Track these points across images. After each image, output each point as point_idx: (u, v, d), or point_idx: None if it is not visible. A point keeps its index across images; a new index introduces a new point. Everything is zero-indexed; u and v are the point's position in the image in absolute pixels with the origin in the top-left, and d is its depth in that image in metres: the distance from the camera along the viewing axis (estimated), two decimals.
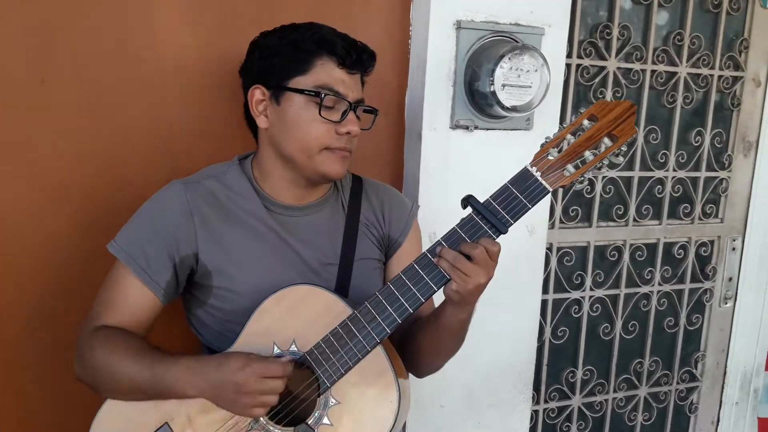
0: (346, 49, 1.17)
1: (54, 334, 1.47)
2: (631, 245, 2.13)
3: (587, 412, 2.19)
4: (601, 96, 1.96)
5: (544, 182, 1.04)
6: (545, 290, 2.00)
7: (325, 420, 1.12)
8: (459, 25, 1.58)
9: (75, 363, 1.17)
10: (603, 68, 1.95)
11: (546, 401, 2.12)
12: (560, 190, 1.95)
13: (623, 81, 1.99)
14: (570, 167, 1.04)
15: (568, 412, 2.16)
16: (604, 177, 2.02)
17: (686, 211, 2.19)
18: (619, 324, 2.17)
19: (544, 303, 2.01)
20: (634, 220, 2.12)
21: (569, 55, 1.86)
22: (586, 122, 1.03)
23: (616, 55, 1.96)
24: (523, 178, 1.05)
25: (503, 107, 1.56)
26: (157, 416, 1.13)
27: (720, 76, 2.12)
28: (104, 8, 1.39)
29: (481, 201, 1.07)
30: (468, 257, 1.05)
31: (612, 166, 1.13)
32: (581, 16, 1.88)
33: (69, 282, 1.45)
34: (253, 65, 1.22)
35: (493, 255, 1.07)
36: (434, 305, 1.28)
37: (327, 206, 1.29)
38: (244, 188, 1.24)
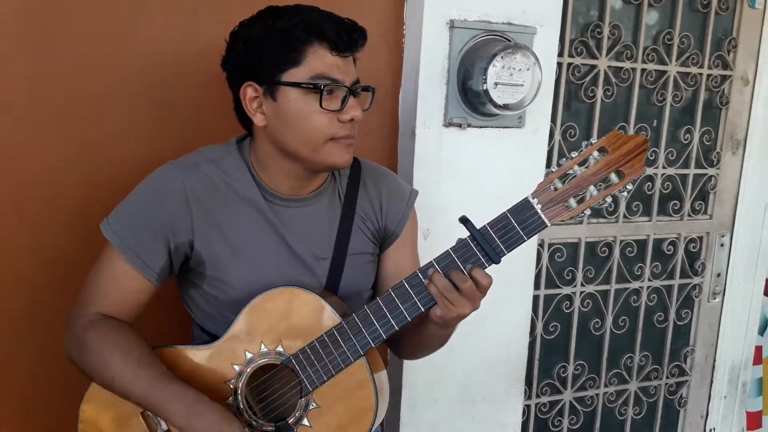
0: (336, 33, 1.11)
1: (54, 332, 1.48)
2: (622, 241, 2.16)
3: (578, 407, 2.22)
4: (591, 94, 1.99)
5: (543, 216, 1.03)
6: (537, 286, 2.03)
7: (305, 421, 1.16)
8: (452, 25, 1.60)
9: (65, 344, 1.18)
10: (594, 67, 1.97)
11: (538, 396, 2.15)
12: None
13: (614, 79, 2.01)
14: (572, 201, 1.02)
15: (559, 406, 2.19)
16: None
17: (675, 208, 2.22)
18: (609, 319, 2.20)
19: (535, 299, 2.03)
20: (625, 216, 2.15)
21: (560, 54, 1.88)
22: (595, 153, 1.00)
23: (607, 54, 1.98)
24: (522, 209, 1.04)
25: (496, 105, 1.58)
26: None
27: (709, 75, 2.15)
28: (100, 9, 1.40)
29: (478, 226, 1.06)
30: (458, 288, 1.06)
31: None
32: (572, 15, 1.90)
33: (65, 282, 1.45)
34: (238, 59, 1.16)
35: (482, 287, 1.08)
36: None
37: (324, 197, 1.27)
38: (242, 175, 1.21)
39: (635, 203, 2.15)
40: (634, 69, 2.04)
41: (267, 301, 1.16)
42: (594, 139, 1.01)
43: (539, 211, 1.03)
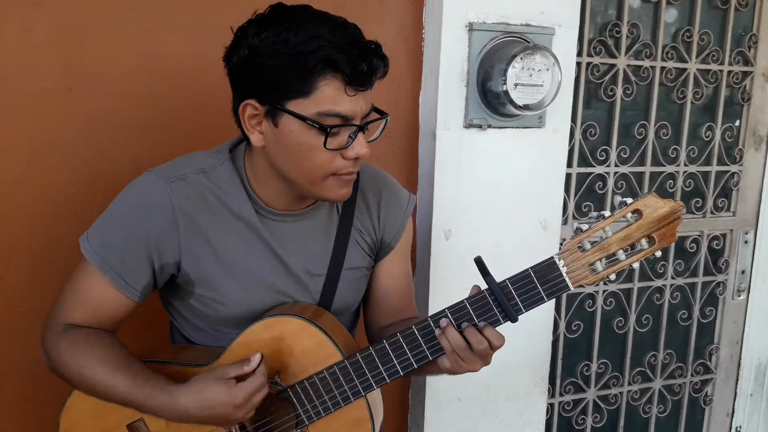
0: (354, 66, 0.98)
1: None
2: None
3: (602, 405, 2.22)
4: (611, 93, 1.99)
5: (567, 279, 0.99)
6: None
7: None
8: (471, 27, 1.61)
9: (42, 354, 1.13)
10: (613, 66, 1.98)
11: (561, 394, 2.15)
12: (573, 182, 1.98)
13: (633, 78, 2.01)
14: (599, 265, 0.98)
15: (583, 405, 2.19)
16: (616, 173, 2.05)
17: (698, 205, 2.22)
18: (632, 318, 2.19)
19: (558, 297, 2.04)
20: None
21: (579, 54, 1.89)
22: (629, 215, 0.96)
23: (626, 52, 1.98)
24: (547, 269, 1.00)
25: (516, 106, 1.59)
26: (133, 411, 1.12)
27: (729, 72, 2.14)
28: (128, 18, 1.44)
29: (499, 281, 1.02)
30: (470, 346, 1.03)
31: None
32: (591, 15, 1.91)
33: None
34: (242, 67, 1.04)
35: (494, 348, 1.05)
36: (412, 301, 1.31)
37: (321, 210, 1.20)
38: (234, 189, 1.12)
39: None
40: (653, 67, 2.03)
41: (265, 329, 1.11)
42: (629, 200, 0.96)
43: (564, 274, 0.99)
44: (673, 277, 2.23)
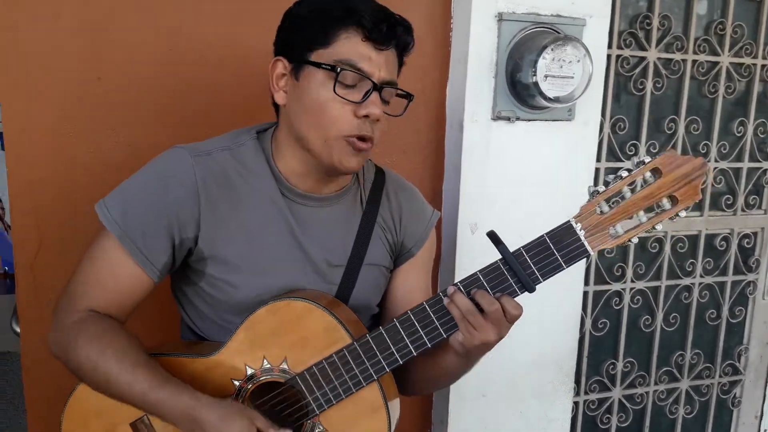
0: (375, 21, 1.01)
1: None
2: (672, 237, 2.11)
3: (628, 404, 2.18)
4: (641, 87, 1.95)
5: (586, 243, 0.93)
6: (586, 282, 2.00)
7: None
8: (500, 18, 1.59)
9: (50, 341, 1.08)
10: (643, 59, 1.94)
11: (586, 393, 2.12)
12: (601, 177, 1.95)
13: (663, 71, 1.97)
14: (619, 228, 0.92)
15: (608, 404, 2.16)
16: None
17: (728, 203, 2.17)
18: (660, 316, 2.16)
19: (584, 295, 2.00)
20: None
21: (609, 46, 1.85)
22: (647, 174, 0.90)
23: (657, 45, 1.94)
24: (563, 234, 0.93)
25: (546, 98, 1.57)
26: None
27: (763, 66, 2.09)
28: (157, 5, 1.44)
29: (512, 250, 0.96)
30: (482, 310, 0.97)
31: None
32: (621, 6, 1.87)
33: None
34: (280, 36, 1.10)
35: (511, 317, 0.98)
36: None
37: (345, 200, 1.17)
38: (259, 167, 1.11)
39: None
40: (684, 60, 2.00)
41: (272, 313, 1.05)
42: (646, 158, 0.90)
43: (582, 238, 0.93)
44: (701, 276, 2.19)
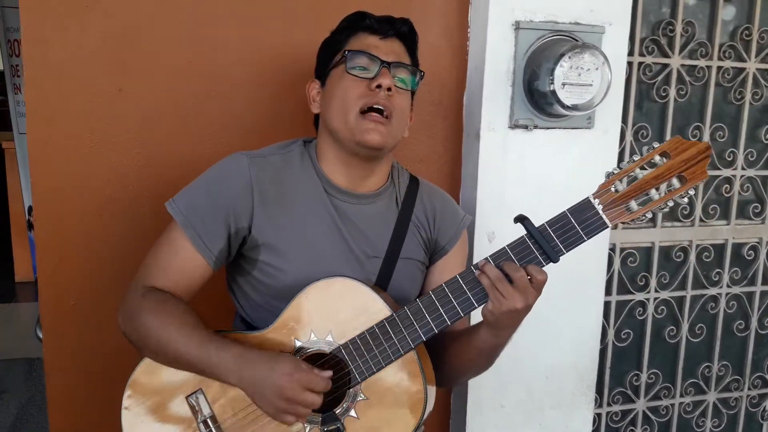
0: (376, 19, 1.23)
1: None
2: (698, 246, 2.08)
3: (652, 417, 2.14)
4: (664, 94, 1.93)
5: (604, 216, 1.03)
6: (608, 292, 1.98)
7: (352, 412, 1.15)
8: (518, 26, 1.59)
9: (119, 317, 1.20)
10: (666, 66, 1.92)
11: (609, 404, 2.08)
12: None
13: (687, 78, 1.95)
14: (633, 204, 1.02)
15: (632, 416, 2.12)
16: None
17: (756, 211, 2.12)
18: (685, 327, 2.12)
19: (607, 305, 1.98)
20: (701, 219, 2.07)
21: (631, 53, 1.84)
22: (657, 158, 1.01)
23: (680, 52, 1.92)
24: (583, 209, 1.04)
25: (564, 106, 1.55)
26: (193, 380, 1.17)
27: None
28: (177, 20, 1.48)
29: (537, 225, 1.06)
30: (510, 279, 1.05)
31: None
32: (643, 13, 1.86)
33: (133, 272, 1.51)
34: (315, 66, 1.31)
35: (536, 283, 1.06)
36: (470, 321, 1.28)
37: (382, 199, 1.29)
38: (306, 167, 1.26)
39: (712, 206, 2.07)
40: (709, 67, 1.97)
41: (318, 290, 1.16)
42: (655, 144, 1.02)
43: (600, 212, 1.03)
44: (728, 286, 2.14)
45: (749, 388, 2.25)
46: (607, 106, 1.64)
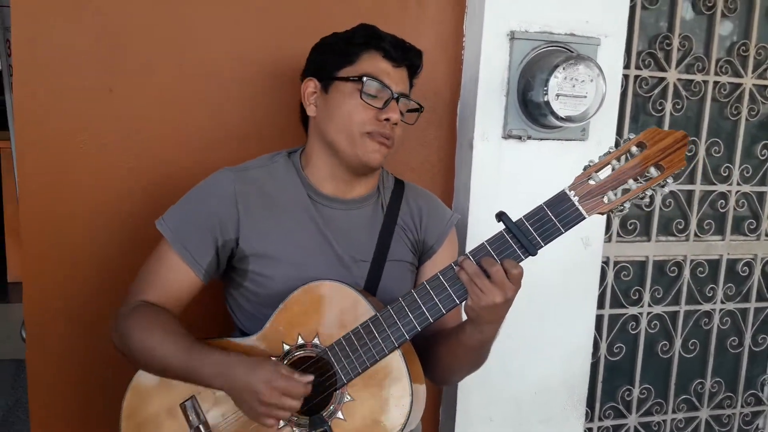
0: (393, 44, 1.23)
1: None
2: (692, 261, 2.06)
3: None
4: (660, 108, 1.92)
5: (580, 207, 1.03)
6: (601, 305, 1.96)
7: (339, 414, 1.15)
8: (513, 36, 1.58)
9: (112, 332, 1.23)
10: (662, 79, 1.91)
11: (600, 419, 2.06)
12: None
13: (684, 92, 1.94)
14: (611, 194, 1.02)
15: (623, 431, 2.10)
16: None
17: (752, 227, 2.11)
18: (678, 342, 2.10)
19: (599, 318, 1.97)
20: (696, 235, 2.05)
21: (627, 66, 1.84)
22: (634, 149, 1.00)
23: (677, 66, 1.91)
24: (559, 201, 1.04)
25: (557, 117, 1.54)
26: (187, 388, 1.19)
27: None
28: (169, 20, 1.47)
29: (515, 219, 1.06)
30: (487, 274, 1.05)
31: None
32: (640, 26, 1.85)
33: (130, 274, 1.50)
34: (309, 63, 1.30)
35: (513, 277, 1.06)
36: (461, 318, 1.27)
37: (369, 204, 1.31)
38: (289, 177, 1.28)
39: (707, 221, 2.06)
40: (705, 82, 1.96)
41: (305, 294, 1.17)
42: (631, 135, 1.01)
43: (576, 203, 1.03)
44: (722, 302, 2.13)
45: (742, 406, 2.24)
46: (601, 119, 1.63)
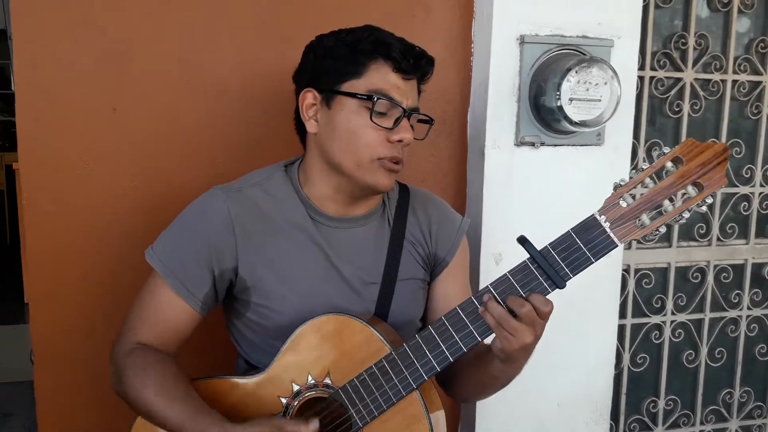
0: (402, 53, 1.10)
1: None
2: (716, 266, 2.00)
3: None
4: (677, 109, 1.87)
5: (612, 235, 0.93)
6: (623, 315, 1.90)
7: None
8: (522, 40, 1.53)
9: (111, 376, 1.15)
10: (679, 80, 1.86)
11: None
12: None
13: (701, 92, 1.88)
14: (645, 218, 0.92)
15: None
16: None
17: None
18: (704, 351, 2.03)
19: (621, 328, 1.90)
20: (718, 239, 1.99)
21: (642, 67, 1.78)
22: (669, 164, 0.90)
23: (693, 65, 1.86)
24: (588, 228, 0.94)
25: (571, 122, 1.50)
26: None
27: None
28: (172, 38, 1.44)
29: (539, 248, 0.97)
30: (515, 315, 0.97)
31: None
32: (654, 26, 1.80)
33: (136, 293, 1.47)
34: (306, 68, 1.17)
35: (543, 315, 0.98)
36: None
37: (373, 220, 1.22)
38: (288, 196, 1.18)
39: (730, 225, 1.99)
40: (724, 81, 1.90)
41: (313, 330, 1.10)
42: (666, 149, 0.91)
43: (608, 230, 0.93)
44: (749, 308, 2.06)
45: None
46: (617, 122, 1.58)
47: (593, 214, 0.95)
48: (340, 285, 1.17)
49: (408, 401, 1.06)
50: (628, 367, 1.96)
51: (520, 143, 1.57)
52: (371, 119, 1.08)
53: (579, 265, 0.96)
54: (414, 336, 1.04)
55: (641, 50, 1.71)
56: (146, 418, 1.11)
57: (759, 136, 1.97)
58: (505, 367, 1.08)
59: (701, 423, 2.08)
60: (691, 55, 1.85)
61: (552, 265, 0.96)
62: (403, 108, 1.10)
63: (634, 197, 0.93)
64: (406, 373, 1.04)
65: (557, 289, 0.98)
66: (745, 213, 2.01)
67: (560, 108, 1.48)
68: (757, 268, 2.05)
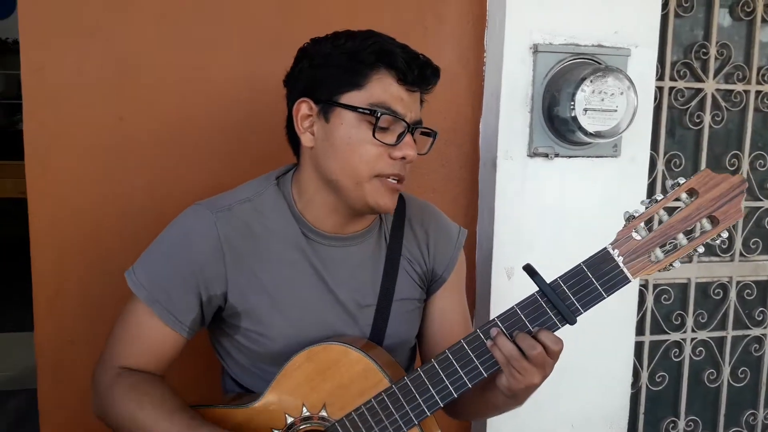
0: (407, 63, 1.02)
1: None
2: (738, 282, 1.93)
3: None
4: (698, 120, 1.82)
5: (625, 269, 0.90)
6: (641, 331, 1.85)
7: None
8: (536, 49, 1.50)
9: (93, 402, 1.10)
10: (700, 90, 1.81)
11: None
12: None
13: (723, 103, 1.83)
14: (658, 252, 0.89)
15: None
16: None
17: None
18: (726, 370, 1.96)
19: (639, 345, 1.85)
20: (741, 254, 1.93)
21: (661, 78, 1.74)
22: (684, 196, 0.88)
23: (714, 76, 1.81)
24: (601, 262, 0.91)
25: (586, 133, 1.46)
26: None
27: None
28: (179, 47, 1.43)
29: (549, 281, 0.93)
30: (526, 355, 0.94)
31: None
32: (673, 35, 1.76)
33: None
34: (301, 75, 1.08)
35: (553, 354, 0.95)
36: (468, 325, 1.22)
37: (370, 237, 1.15)
38: (280, 214, 1.10)
39: (753, 240, 1.93)
40: (747, 91, 1.85)
41: (308, 359, 1.04)
42: (681, 179, 0.88)
43: (621, 264, 0.90)
44: None
45: None
46: (634, 133, 1.54)
47: (606, 248, 0.91)
48: (335, 308, 1.11)
49: None
50: (647, 385, 1.90)
51: (533, 154, 1.53)
52: (374, 135, 1.01)
53: (591, 300, 0.93)
54: (416, 369, 1.00)
55: (660, 60, 1.67)
56: None
57: None
58: (509, 401, 1.05)
59: None
60: (712, 65, 1.80)
61: (562, 299, 0.93)
62: (407, 123, 1.03)
63: (647, 230, 0.90)
64: (407, 408, 1.00)
65: (567, 325, 0.94)
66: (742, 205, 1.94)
67: (575, 118, 1.44)
68: None
